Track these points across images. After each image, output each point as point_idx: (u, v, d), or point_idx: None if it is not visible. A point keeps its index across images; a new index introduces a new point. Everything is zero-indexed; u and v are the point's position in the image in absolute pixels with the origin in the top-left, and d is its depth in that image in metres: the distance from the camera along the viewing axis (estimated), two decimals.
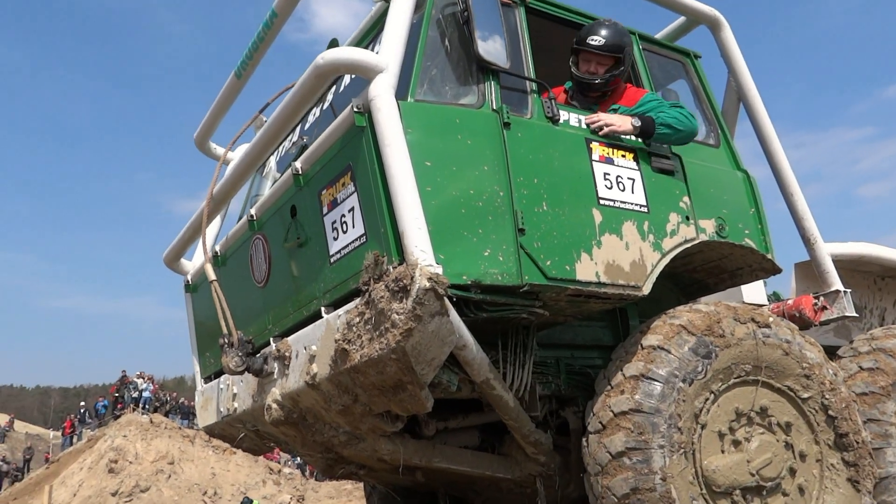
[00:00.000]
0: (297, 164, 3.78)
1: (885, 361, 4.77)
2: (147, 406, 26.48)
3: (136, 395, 26.79)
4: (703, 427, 3.63)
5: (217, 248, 4.89)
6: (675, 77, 4.91)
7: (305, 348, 3.65)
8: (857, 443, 3.93)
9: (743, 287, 5.59)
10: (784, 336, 3.88)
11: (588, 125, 3.96)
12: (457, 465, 4.03)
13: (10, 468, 26.60)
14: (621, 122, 4.01)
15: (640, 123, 4.04)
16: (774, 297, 6.40)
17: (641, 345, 3.70)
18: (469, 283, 3.21)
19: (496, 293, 3.33)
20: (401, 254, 3.09)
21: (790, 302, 4.97)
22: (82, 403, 28.98)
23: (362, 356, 3.19)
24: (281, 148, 5.18)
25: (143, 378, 27.97)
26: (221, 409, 4.70)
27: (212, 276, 4.15)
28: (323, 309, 3.61)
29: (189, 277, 5.42)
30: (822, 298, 4.89)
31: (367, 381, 3.30)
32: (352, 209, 3.42)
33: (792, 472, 3.81)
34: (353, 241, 3.42)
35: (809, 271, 5.14)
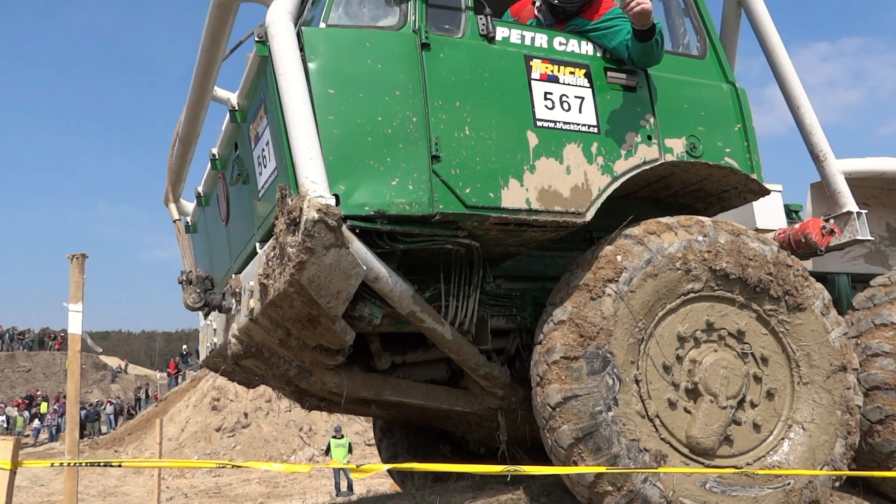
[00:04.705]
0: (233, 99, 3.76)
1: None
2: None
3: None
4: (658, 418, 3.42)
5: (200, 188, 4.98)
6: None
7: (248, 284, 3.69)
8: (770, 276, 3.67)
9: (756, 211, 5.17)
10: (642, 261, 3.46)
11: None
12: (410, 398, 4.01)
13: (126, 406, 29.07)
14: (649, 7, 3.56)
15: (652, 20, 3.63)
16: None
17: (549, 405, 3.37)
18: (373, 213, 3.11)
19: (406, 223, 3.21)
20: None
21: (796, 226, 4.56)
22: (184, 346, 30.98)
23: (275, 290, 3.19)
24: None
25: None
26: (208, 344, 4.86)
27: (174, 215, 4.27)
28: (257, 245, 3.62)
29: (188, 219, 5.57)
30: (832, 221, 4.45)
31: (286, 314, 3.31)
32: (268, 142, 3.38)
33: (745, 355, 3.65)
34: (270, 175, 3.39)
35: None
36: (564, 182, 3.51)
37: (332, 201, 2.94)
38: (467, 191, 3.27)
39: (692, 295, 3.53)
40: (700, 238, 3.56)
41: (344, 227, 2.98)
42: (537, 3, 4.13)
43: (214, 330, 4.63)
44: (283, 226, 2.98)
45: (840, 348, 3.76)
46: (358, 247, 3.07)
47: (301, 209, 2.88)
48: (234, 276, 4.16)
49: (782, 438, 3.67)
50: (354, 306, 3.31)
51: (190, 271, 4.12)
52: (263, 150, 3.43)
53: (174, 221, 4.30)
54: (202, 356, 5.24)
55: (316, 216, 2.85)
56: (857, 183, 4.70)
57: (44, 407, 30.76)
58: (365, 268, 3.11)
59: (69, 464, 4.97)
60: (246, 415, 22.74)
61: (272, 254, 3.22)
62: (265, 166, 3.45)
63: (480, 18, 3.59)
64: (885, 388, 4.14)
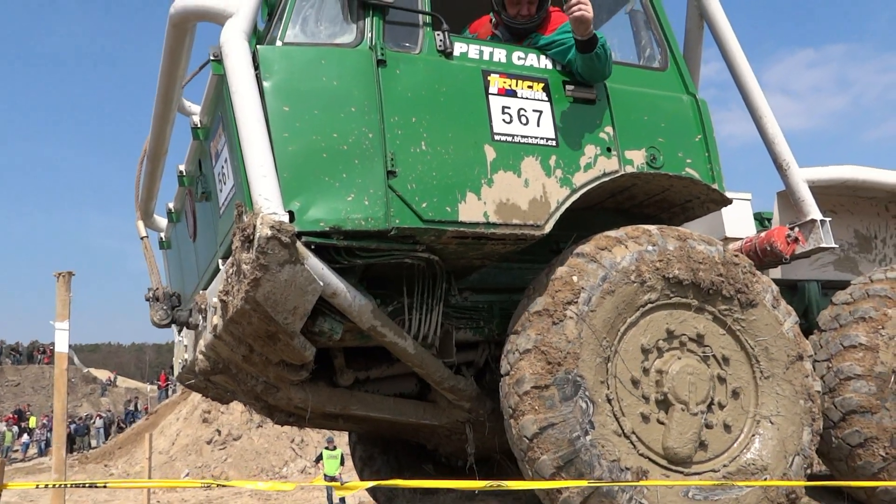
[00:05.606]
0: (195, 117, 3.78)
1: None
2: None
3: None
4: (634, 434, 3.43)
5: (171, 204, 5.00)
6: None
7: (212, 301, 3.71)
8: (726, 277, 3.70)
9: (725, 219, 5.21)
10: (598, 278, 3.44)
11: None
12: (377, 413, 4.01)
13: (116, 419, 28.98)
14: (589, 15, 3.60)
15: (592, 30, 3.66)
16: None
17: (526, 437, 3.33)
18: (328, 229, 3.13)
19: (363, 238, 3.23)
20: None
21: (763, 235, 4.59)
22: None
23: (233, 307, 3.20)
24: None
25: None
26: (180, 361, 4.88)
27: (142, 232, 4.28)
28: (220, 261, 3.64)
29: (162, 235, 5.58)
30: (796, 229, 4.48)
31: (247, 331, 3.32)
32: (226, 160, 3.41)
33: (707, 358, 3.65)
34: (229, 192, 3.42)
35: None
36: (522, 195, 3.53)
37: (286, 218, 2.96)
38: (424, 205, 3.29)
39: (650, 305, 3.55)
40: (650, 248, 3.58)
41: (298, 244, 3.00)
42: (493, 21, 4.17)
43: (185, 346, 4.65)
44: (239, 243, 3.01)
45: (794, 338, 3.80)
46: (314, 263, 3.08)
47: (254, 226, 2.90)
48: (200, 292, 4.18)
49: (753, 435, 3.70)
50: (314, 322, 3.32)
51: (157, 288, 4.14)
52: (223, 167, 3.46)
53: (141, 238, 4.32)
54: (175, 372, 5.25)
55: (269, 233, 2.87)
56: (823, 191, 4.75)
57: (32, 422, 30.59)
58: (322, 283, 3.12)
59: (55, 485, 4.96)
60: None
61: (231, 270, 3.24)
62: (225, 183, 3.47)
63: (438, 34, 3.62)
64: (861, 412, 4.13)
